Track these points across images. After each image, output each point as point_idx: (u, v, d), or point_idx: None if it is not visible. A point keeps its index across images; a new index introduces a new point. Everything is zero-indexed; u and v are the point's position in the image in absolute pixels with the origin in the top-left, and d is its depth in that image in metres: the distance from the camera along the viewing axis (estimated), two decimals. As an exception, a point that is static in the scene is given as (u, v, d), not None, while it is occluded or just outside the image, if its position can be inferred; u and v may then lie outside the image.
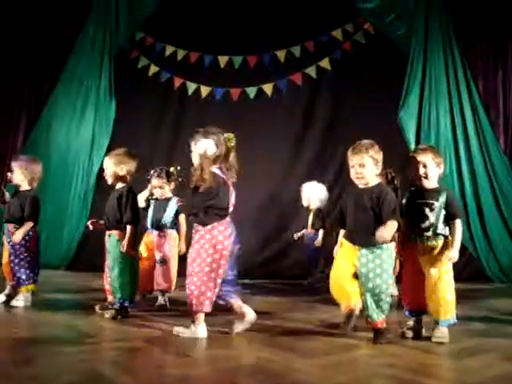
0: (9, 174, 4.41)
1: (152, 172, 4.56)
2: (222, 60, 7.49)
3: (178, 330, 3.26)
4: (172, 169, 4.44)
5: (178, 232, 4.49)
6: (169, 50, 7.67)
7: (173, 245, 4.43)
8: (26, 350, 2.84)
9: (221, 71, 7.52)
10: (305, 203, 6.34)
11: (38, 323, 3.60)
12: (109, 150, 7.60)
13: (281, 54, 7.44)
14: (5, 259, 4.30)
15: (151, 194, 4.56)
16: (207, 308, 3.24)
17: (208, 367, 2.65)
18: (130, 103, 7.71)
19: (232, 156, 3.38)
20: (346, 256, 3.22)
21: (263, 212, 7.15)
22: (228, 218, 3.33)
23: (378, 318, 3.13)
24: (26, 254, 4.20)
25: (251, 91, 7.38)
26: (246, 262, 6.56)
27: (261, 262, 6.89)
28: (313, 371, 2.53)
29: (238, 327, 3.32)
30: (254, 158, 7.08)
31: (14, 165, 4.37)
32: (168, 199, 4.54)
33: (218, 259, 3.23)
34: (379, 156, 3.20)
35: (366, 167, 3.16)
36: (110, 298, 3.92)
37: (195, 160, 3.32)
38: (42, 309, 4.04)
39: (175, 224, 4.49)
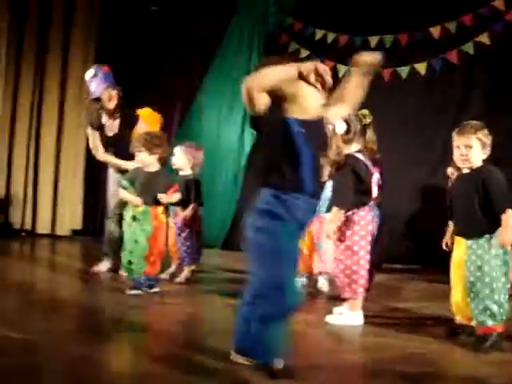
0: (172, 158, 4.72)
1: None
2: (373, 40, 7.30)
3: (333, 318, 3.27)
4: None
5: None
6: (318, 33, 7.64)
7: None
8: (192, 327, 3.04)
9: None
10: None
11: (200, 301, 3.84)
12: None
13: (435, 31, 7.07)
14: (171, 239, 4.62)
15: None
16: (360, 295, 3.24)
17: (368, 355, 2.66)
18: (279, 88, 7.83)
19: (369, 132, 3.28)
20: (456, 252, 2.95)
21: (414, 200, 6.90)
22: (371, 203, 3.26)
23: (484, 323, 2.74)
24: (190, 235, 4.49)
25: (403, 71, 7.11)
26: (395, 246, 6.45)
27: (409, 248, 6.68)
28: (473, 365, 2.43)
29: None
30: (406, 143, 6.86)
31: (179, 150, 4.65)
32: (323, 183, 4.53)
33: (364, 245, 3.20)
34: (487, 139, 2.89)
35: (473, 149, 2.86)
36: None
37: (329, 142, 3.27)
38: (203, 287, 4.30)
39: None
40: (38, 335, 2.57)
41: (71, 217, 8.49)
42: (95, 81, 4.63)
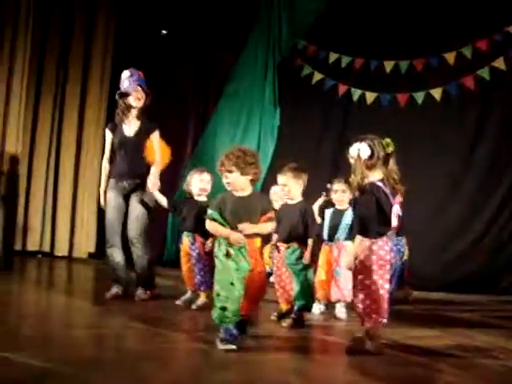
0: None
1: (334, 180, 4.59)
2: (388, 65, 7.32)
3: (354, 347, 3.21)
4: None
5: None
6: (332, 57, 7.69)
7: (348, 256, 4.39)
8: (216, 354, 2.98)
9: (386, 76, 7.35)
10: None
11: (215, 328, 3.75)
12: (273, 158, 7.92)
13: (450, 56, 7.08)
14: (185, 265, 4.59)
15: (328, 203, 4.58)
16: (380, 324, 3.18)
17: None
18: (294, 111, 7.88)
19: (392, 162, 3.22)
20: None
21: (428, 227, 6.84)
22: (389, 232, 3.21)
23: None
24: (207, 262, 4.42)
25: (419, 96, 7.11)
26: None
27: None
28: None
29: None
30: (422, 168, 6.80)
31: (200, 175, 4.61)
32: (344, 210, 4.48)
33: (383, 275, 3.15)
34: None
35: None
36: (284, 306, 4.04)
37: (352, 167, 3.23)
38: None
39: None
40: (57, 363, 2.54)
41: (87, 240, 8.64)
42: (129, 79, 4.73)
